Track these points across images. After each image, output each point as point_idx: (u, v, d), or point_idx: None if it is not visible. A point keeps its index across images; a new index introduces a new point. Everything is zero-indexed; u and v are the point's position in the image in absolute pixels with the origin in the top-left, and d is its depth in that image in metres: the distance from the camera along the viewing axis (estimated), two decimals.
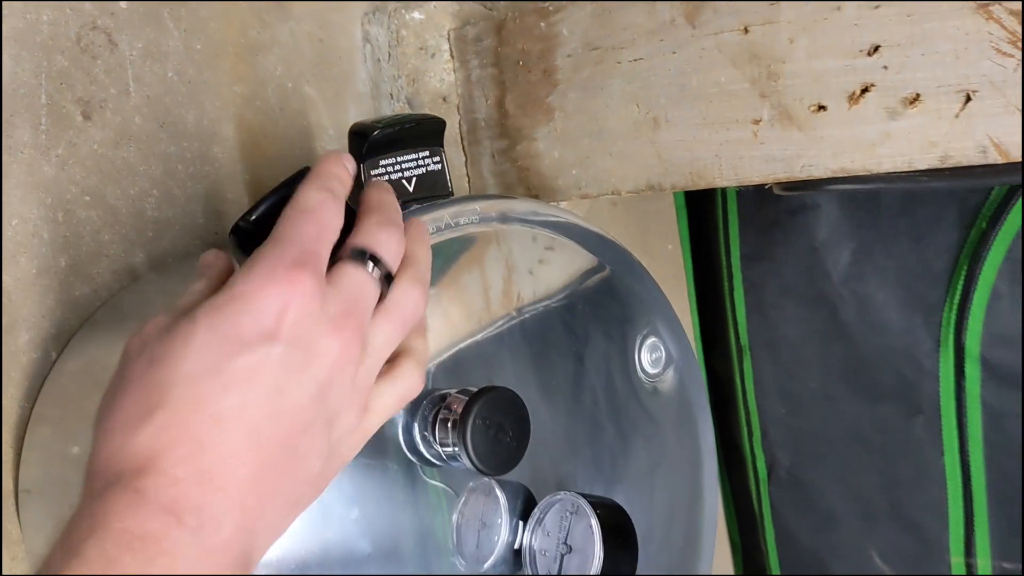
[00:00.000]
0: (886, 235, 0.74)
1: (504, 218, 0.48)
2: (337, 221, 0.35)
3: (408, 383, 0.36)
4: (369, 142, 0.41)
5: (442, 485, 0.44)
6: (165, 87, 0.59)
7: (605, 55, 0.57)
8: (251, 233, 0.36)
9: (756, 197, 0.80)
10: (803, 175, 0.48)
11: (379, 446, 0.41)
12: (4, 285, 0.53)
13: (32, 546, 0.52)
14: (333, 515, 0.41)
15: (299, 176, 0.36)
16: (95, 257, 0.56)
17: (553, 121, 0.61)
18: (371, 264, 0.35)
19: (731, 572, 0.96)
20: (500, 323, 0.50)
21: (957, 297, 0.71)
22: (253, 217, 0.36)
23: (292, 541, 0.40)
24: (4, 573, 0.51)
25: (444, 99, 0.67)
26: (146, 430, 0.32)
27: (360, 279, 0.34)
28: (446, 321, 0.47)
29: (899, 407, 0.76)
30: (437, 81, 0.67)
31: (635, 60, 0.55)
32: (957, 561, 0.75)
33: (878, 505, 0.79)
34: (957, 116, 0.43)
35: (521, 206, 0.50)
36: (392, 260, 0.36)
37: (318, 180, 0.36)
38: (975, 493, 0.74)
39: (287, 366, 0.32)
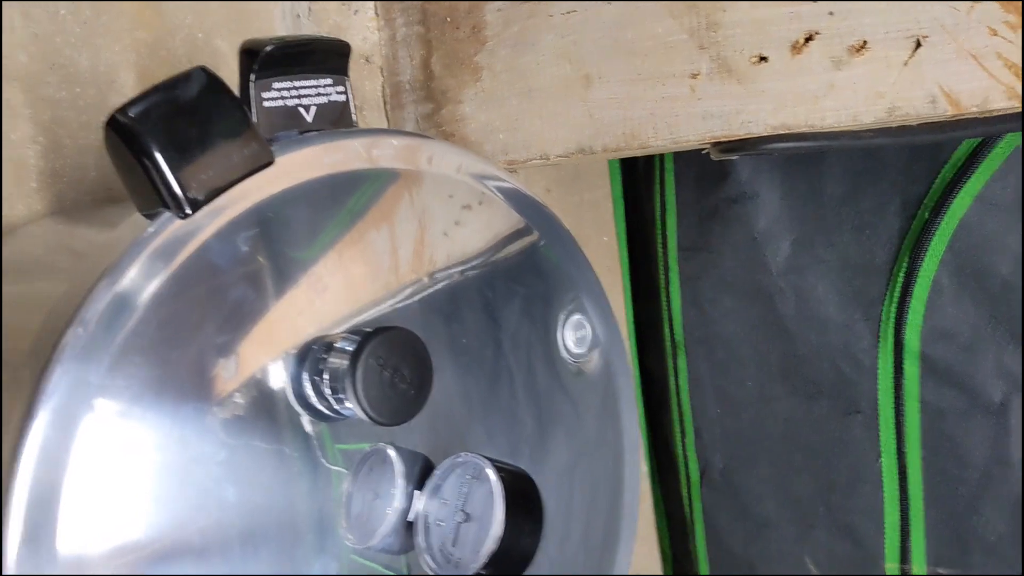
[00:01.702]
0: (828, 225, 0.71)
1: (426, 160, 0.44)
2: None
3: None
4: (262, 57, 0.37)
5: (336, 469, 0.40)
6: (56, 25, 0.54)
7: (537, 8, 0.53)
8: (129, 128, 0.32)
9: (695, 185, 0.77)
10: (742, 132, 0.45)
11: (265, 404, 0.36)
12: None
13: None
14: (211, 494, 0.36)
15: (190, 75, 0.33)
16: None
17: (480, 81, 0.57)
18: None
19: None
20: (408, 289, 0.45)
21: (897, 290, 0.68)
22: (134, 112, 0.32)
23: (169, 525, 0.35)
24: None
25: (367, 60, 0.63)
26: None
27: None
28: (347, 283, 0.42)
29: (836, 406, 0.73)
30: (360, 40, 0.63)
31: (568, 13, 0.52)
32: (892, 567, 0.72)
33: (813, 509, 0.76)
34: (906, 64, 0.40)
35: (449, 153, 0.46)
36: None
37: None
38: (911, 497, 0.71)
39: None
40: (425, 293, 0.46)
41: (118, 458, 0.33)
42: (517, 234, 0.50)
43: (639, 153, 0.51)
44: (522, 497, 0.36)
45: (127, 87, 0.57)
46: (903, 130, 0.41)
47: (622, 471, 0.52)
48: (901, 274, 0.68)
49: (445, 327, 0.46)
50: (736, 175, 0.73)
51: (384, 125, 0.64)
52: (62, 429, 0.32)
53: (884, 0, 0.40)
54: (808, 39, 0.42)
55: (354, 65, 0.65)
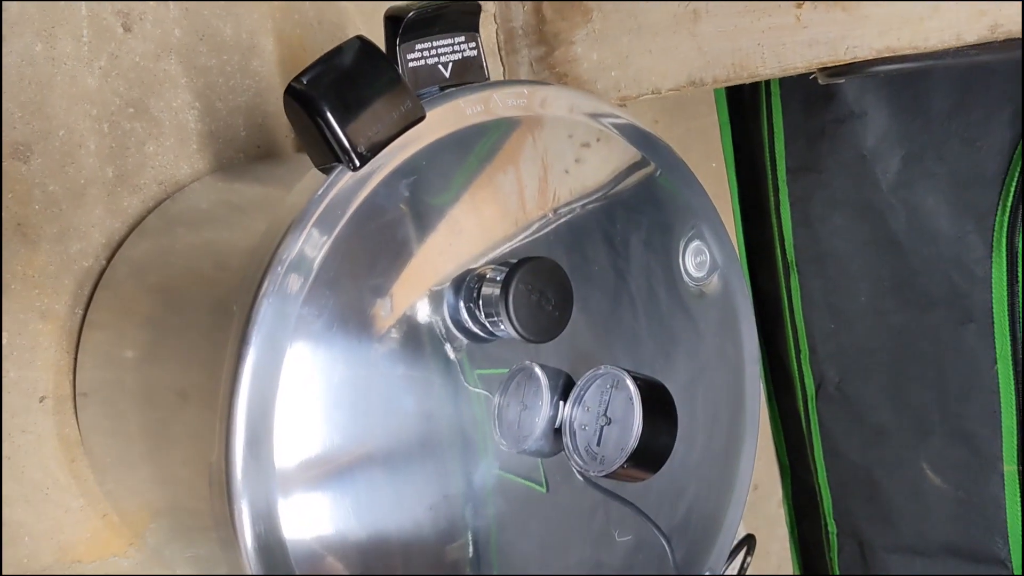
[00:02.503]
0: (937, 140, 0.72)
1: (539, 103, 0.47)
2: None
3: None
4: (405, 23, 0.41)
5: (483, 391, 0.45)
6: None
7: None
8: (304, 94, 0.37)
9: (802, 108, 0.79)
10: (848, 57, 0.47)
11: (423, 336, 0.42)
12: (55, 194, 0.54)
13: (91, 445, 0.54)
14: (392, 405, 0.41)
15: (351, 43, 0.37)
16: (141, 168, 0.57)
17: (591, 22, 0.60)
18: None
19: (779, 494, 0.96)
20: (535, 225, 0.49)
21: (1010, 199, 0.69)
22: (306, 80, 0.37)
23: (362, 432, 0.40)
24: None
25: (481, 9, 0.67)
26: None
27: None
28: (479, 223, 0.47)
29: (950, 316, 0.75)
30: None
31: None
32: (1010, 470, 0.74)
33: (929, 417, 0.78)
34: None
35: (564, 94, 0.49)
36: None
37: None
38: None
39: None
40: (554, 227, 0.50)
41: (318, 375, 0.38)
42: (634, 167, 0.53)
43: (748, 81, 0.54)
44: (657, 402, 0.40)
45: (266, 51, 0.62)
46: (1007, 44, 0.43)
47: (743, 384, 0.56)
48: (1014, 183, 0.69)
49: (576, 257, 0.50)
50: (843, 95, 0.74)
51: (500, 70, 0.67)
52: (271, 352, 0.37)
53: None
54: None
55: None
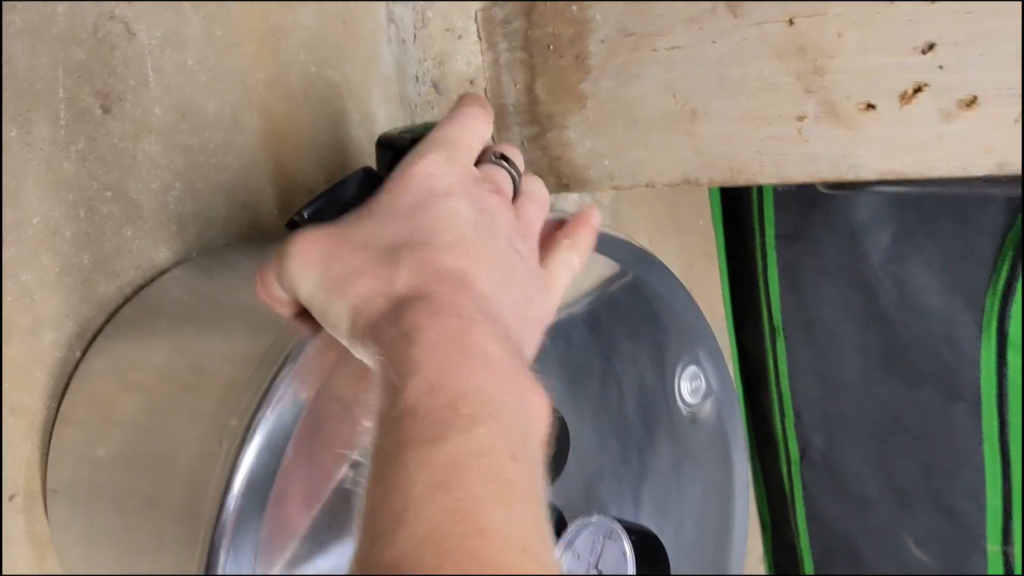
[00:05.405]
0: (929, 216, 0.71)
1: None
2: (486, 130, 0.44)
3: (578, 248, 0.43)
4: (396, 152, 0.39)
5: None
6: (185, 76, 0.57)
7: (640, 42, 0.54)
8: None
9: None
10: (850, 176, 0.46)
11: None
12: (27, 284, 0.52)
13: (60, 544, 0.52)
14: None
15: (356, 175, 0.36)
16: (118, 253, 0.55)
17: (585, 109, 0.58)
18: (505, 163, 0.43)
19: (759, 550, 0.96)
20: None
21: (1001, 282, 0.69)
22: (307, 213, 0.36)
23: None
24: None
25: (471, 82, 0.65)
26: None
27: (501, 173, 0.43)
28: None
29: (939, 393, 0.74)
30: (464, 64, 0.65)
31: (672, 48, 0.53)
32: (994, 549, 0.74)
33: (914, 491, 0.78)
34: (1017, 121, 0.40)
35: None
36: (520, 165, 0.44)
37: (475, 99, 0.45)
38: (1013, 481, 0.72)
39: (474, 213, 0.38)
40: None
41: None
42: (616, 278, 0.52)
43: (745, 184, 0.52)
44: (651, 555, 0.39)
45: (250, 127, 0.60)
46: (1016, 180, 0.42)
47: (731, 510, 0.54)
48: (1005, 268, 0.68)
49: (557, 377, 0.48)
50: None
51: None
52: None
53: (995, 57, 0.40)
54: (917, 90, 0.43)
55: (458, 88, 0.67)
